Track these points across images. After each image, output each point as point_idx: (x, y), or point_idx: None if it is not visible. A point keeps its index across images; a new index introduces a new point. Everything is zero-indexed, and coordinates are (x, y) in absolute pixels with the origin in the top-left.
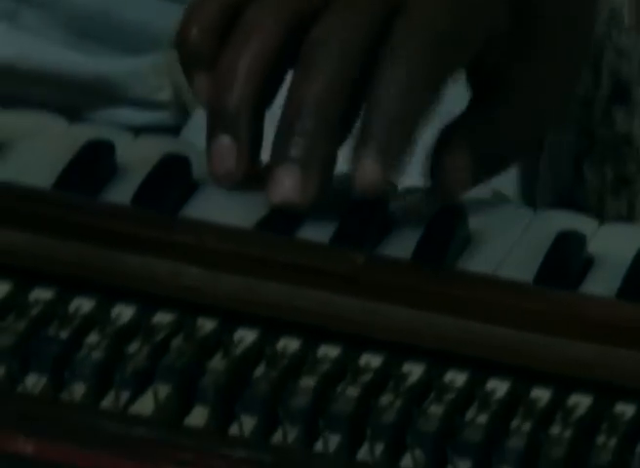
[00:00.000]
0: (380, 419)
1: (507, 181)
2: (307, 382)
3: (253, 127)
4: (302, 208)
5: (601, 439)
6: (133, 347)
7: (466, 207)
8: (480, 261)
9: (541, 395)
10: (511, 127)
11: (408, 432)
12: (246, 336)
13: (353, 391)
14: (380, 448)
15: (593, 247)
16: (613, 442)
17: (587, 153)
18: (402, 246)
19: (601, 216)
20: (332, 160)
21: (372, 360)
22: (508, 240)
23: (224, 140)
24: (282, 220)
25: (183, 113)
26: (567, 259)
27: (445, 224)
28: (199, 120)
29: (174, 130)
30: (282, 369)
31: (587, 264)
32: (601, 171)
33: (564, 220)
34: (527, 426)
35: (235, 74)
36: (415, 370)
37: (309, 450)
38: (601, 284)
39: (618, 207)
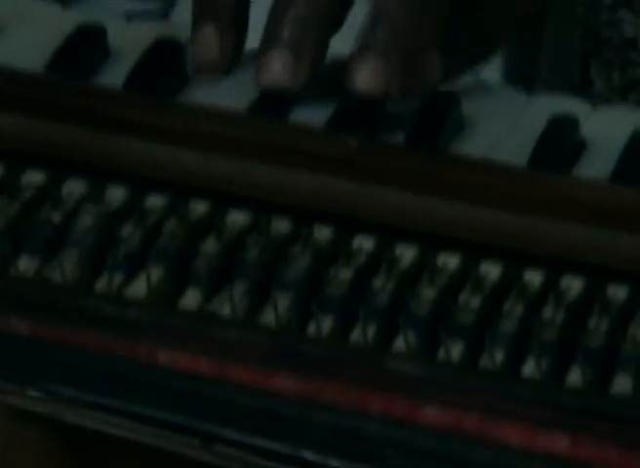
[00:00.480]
0: (373, 302)
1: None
2: (300, 264)
3: (237, 15)
4: (293, 92)
5: (593, 321)
6: (125, 230)
7: (459, 92)
8: (473, 145)
9: (534, 278)
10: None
11: (400, 315)
12: (238, 219)
13: (346, 274)
14: (372, 330)
15: (587, 130)
16: (604, 324)
17: (594, 56)
18: (396, 130)
19: None
20: (324, 45)
21: (364, 243)
22: (502, 124)
23: (208, 29)
24: (275, 104)
25: (171, 1)
26: (560, 143)
27: (438, 108)
28: (185, 7)
29: (161, 17)
30: (274, 251)
31: (581, 148)
32: (608, 74)
33: (557, 104)
34: (519, 309)
35: None
36: (407, 254)
37: (302, 333)
38: (594, 167)
39: None
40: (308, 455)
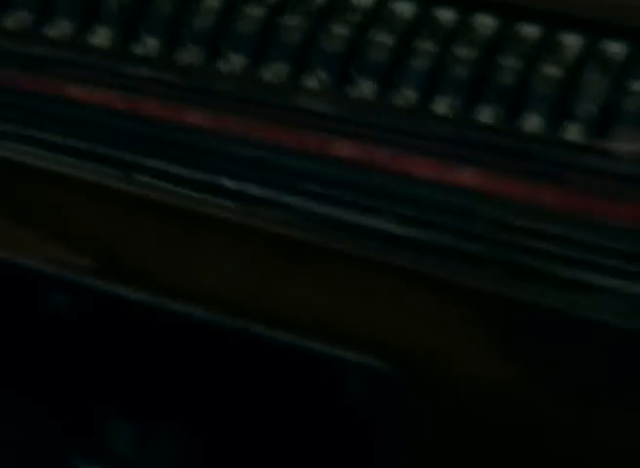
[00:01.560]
0: (284, 40)
1: None
2: (211, 3)
3: None
4: None
5: (505, 60)
6: None
7: None
8: None
9: (447, 16)
10: None
11: (312, 53)
12: None
13: (258, 12)
14: (283, 68)
15: None
16: (517, 63)
17: None
18: None
19: None
20: None
21: None
22: None
23: None
24: None
25: None
26: None
27: None
28: None
29: None
30: None
31: None
32: None
33: None
34: (432, 47)
35: None
36: None
37: (213, 70)
38: None
39: None
40: (226, 183)
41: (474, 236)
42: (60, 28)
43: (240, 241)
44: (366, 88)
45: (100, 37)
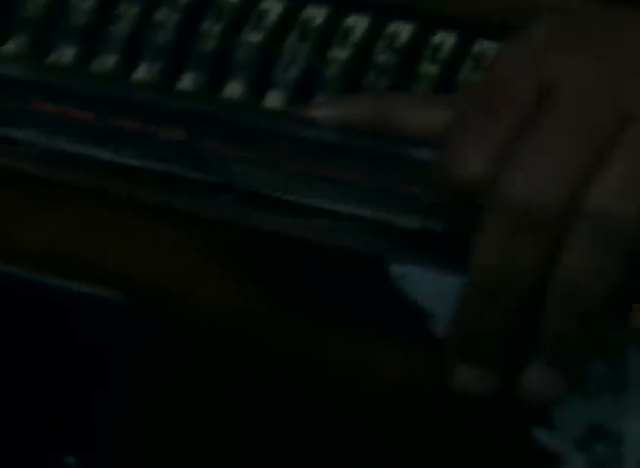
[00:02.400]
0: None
1: None
2: None
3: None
4: None
5: (205, 25)
6: None
7: None
8: None
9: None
10: None
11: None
12: None
13: None
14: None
15: None
16: (217, 29)
17: None
18: None
19: None
20: None
21: None
22: None
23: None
24: None
25: None
26: None
27: None
28: None
29: None
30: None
31: None
32: None
33: None
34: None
35: None
36: None
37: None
38: None
39: None
40: None
41: (200, 166)
42: None
43: None
44: (66, 54)
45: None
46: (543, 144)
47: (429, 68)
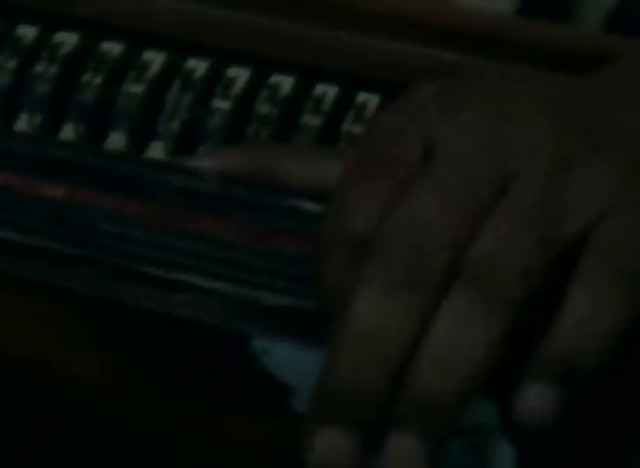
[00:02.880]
0: None
1: None
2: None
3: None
4: None
5: (87, 76)
6: None
7: None
8: None
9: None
10: None
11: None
12: None
13: None
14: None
15: None
16: (99, 79)
17: None
18: None
19: None
20: None
21: None
22: None
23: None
24: None
25: None
26: None
27: None
28: None
29: None
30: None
31: None
32: None
33: None
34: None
35: None
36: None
37: None
38: None
39: None
40: None
41: (67, 239)
42: None
43: None
44: None
45: None
46: (422, 202)
47: (311, 120)
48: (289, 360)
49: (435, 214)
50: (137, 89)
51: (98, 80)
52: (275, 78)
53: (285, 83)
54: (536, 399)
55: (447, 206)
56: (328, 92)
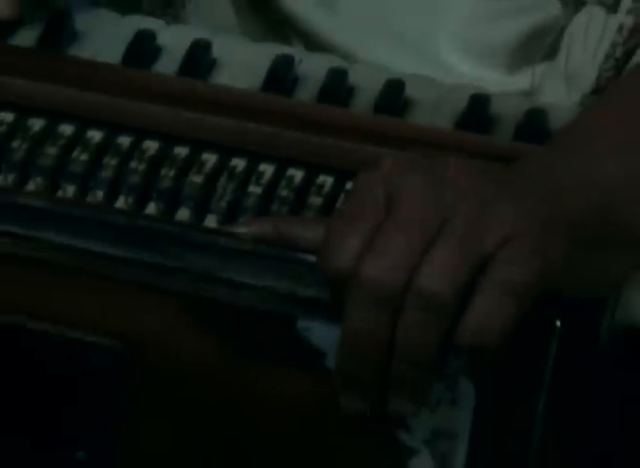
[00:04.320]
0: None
1: None
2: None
3: None
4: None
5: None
6: None
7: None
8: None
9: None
10: None
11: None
12: None
13: None
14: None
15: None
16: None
17: None
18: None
19: None
20: None
21: None
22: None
23: None
24: None
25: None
26: (144, 49)
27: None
28: None
29: None
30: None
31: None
32: None
33: (140, 22)
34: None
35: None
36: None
37: None
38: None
39: None
40: None
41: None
42: None
43: None
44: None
45: None
46: (386, 239)
47: (315, 200)
48: (322, 333)
49: (396, 249)
50: (198, 179)
51: (171, 173)
52: (290, 172)
53: (297, 175)
54: (459, 366)
55: (405, 238)
56: (327, 180)
